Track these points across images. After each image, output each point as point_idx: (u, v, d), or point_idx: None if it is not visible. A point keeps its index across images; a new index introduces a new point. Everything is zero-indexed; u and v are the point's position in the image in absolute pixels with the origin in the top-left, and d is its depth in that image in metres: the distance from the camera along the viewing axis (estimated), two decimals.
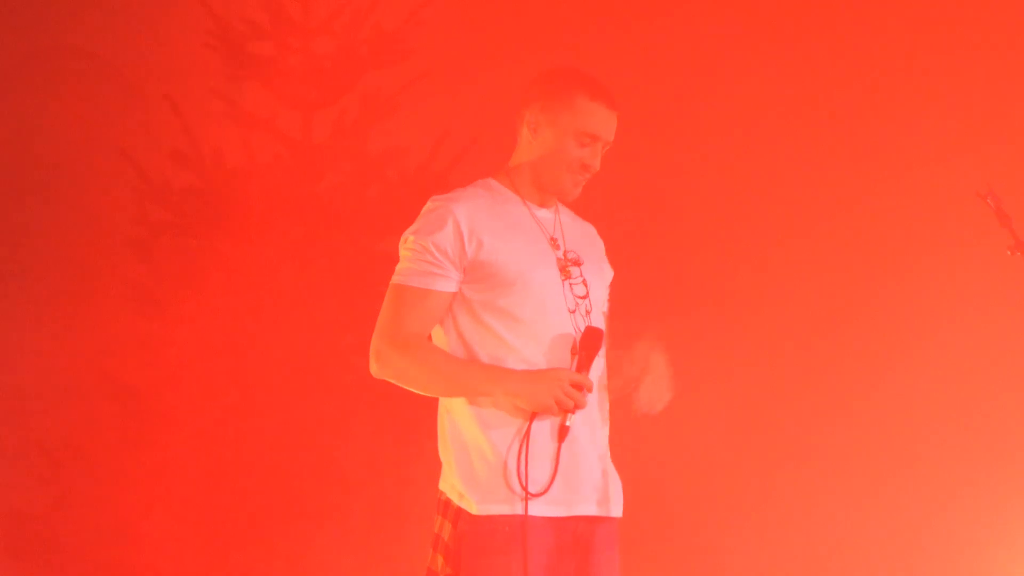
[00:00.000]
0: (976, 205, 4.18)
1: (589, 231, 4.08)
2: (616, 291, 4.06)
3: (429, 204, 3.88)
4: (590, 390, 3.80)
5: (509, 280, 3.81)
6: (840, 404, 6.98)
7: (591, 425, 3.86)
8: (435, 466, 3.90)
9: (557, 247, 3.93)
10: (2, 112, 7.11)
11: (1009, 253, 4.16)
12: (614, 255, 4.14)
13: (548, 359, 3.81)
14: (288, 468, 6.90)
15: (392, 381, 3.87)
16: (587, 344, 3.82)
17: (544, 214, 3.96)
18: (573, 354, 3.82)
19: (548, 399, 3.76)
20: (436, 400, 3.91)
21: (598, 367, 3.89)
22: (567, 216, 4.02)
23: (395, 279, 3.87)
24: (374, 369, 3.87)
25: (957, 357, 6.90)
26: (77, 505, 6.92)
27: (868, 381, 6.98)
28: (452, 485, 3.82)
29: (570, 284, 3.89)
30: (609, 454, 3.92)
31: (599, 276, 3.99)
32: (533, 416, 3.78)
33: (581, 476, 3.82)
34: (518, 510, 3.75)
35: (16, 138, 7.10)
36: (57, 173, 7.10)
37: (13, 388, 7.02)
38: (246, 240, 7.02)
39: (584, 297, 3.90)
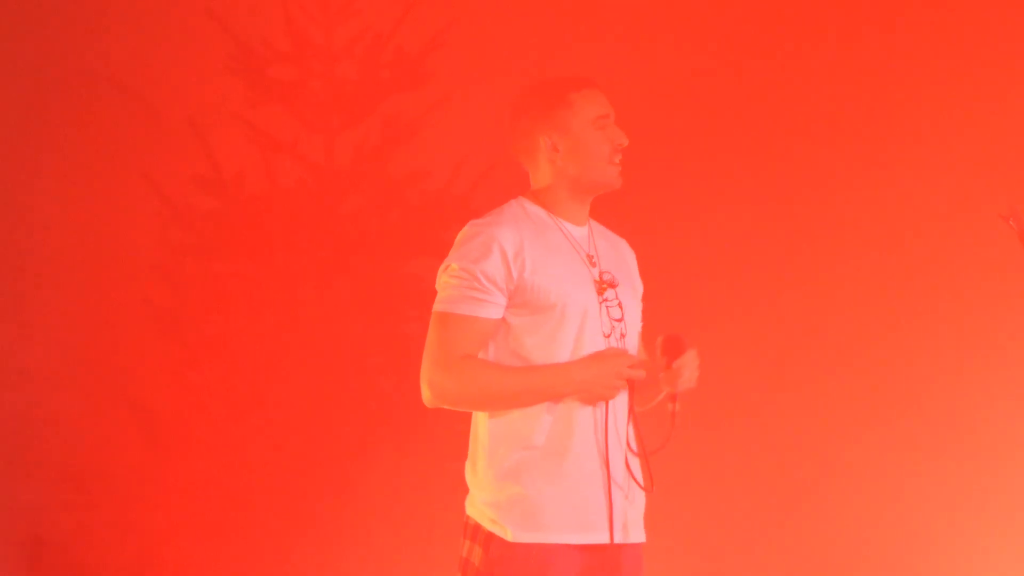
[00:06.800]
0: (999, 227, 4.18)
1: (621, 246, 4.05)
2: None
3: (468, 229, 3.83)
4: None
5: (550, 304, 3.79)
6: (843, 405, 6.97)
7: (618, 450, 3.84)
8: (460, 488, 3.89)
9: (594, 264, 3.90)
10: (25, 137, 7.13)
11: None
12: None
13: None
14: (312, 491, 6.91)
15: (449, 407, 3.82)
16: (669, 350, 3.85)
17: (579, 232, 3.93)
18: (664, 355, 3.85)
19: (614, 378, 3.78)
20: (465, 422, 3.89)
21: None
22: (599, 233, 4.00)
23: (440, 307, 3.79)
24: (428, 399, 3.80)
25: (975, 369, 6.89)
26: (100, 529, 6.93)
27: (874, 387, 6.97)
28: (482, 511, 3.80)
29: (607, 307, 3.87)
30: (636, 479, 3.91)
31: (634, 298, 3.97)
32: (608, 450, 3.78)
33: (606, 502, 3.80)
34: (551, 538, 3.75)
35: (39, 163, 7.13)
36: (80, 197, 7.12)
37: (36, 412, 7.04)
38: (269, 263, 7.04)
39: (620, 320, 3.89)
